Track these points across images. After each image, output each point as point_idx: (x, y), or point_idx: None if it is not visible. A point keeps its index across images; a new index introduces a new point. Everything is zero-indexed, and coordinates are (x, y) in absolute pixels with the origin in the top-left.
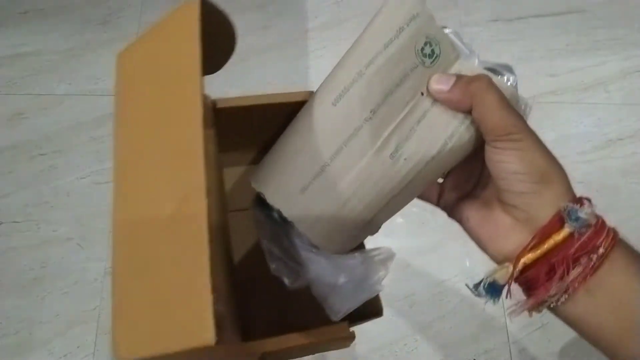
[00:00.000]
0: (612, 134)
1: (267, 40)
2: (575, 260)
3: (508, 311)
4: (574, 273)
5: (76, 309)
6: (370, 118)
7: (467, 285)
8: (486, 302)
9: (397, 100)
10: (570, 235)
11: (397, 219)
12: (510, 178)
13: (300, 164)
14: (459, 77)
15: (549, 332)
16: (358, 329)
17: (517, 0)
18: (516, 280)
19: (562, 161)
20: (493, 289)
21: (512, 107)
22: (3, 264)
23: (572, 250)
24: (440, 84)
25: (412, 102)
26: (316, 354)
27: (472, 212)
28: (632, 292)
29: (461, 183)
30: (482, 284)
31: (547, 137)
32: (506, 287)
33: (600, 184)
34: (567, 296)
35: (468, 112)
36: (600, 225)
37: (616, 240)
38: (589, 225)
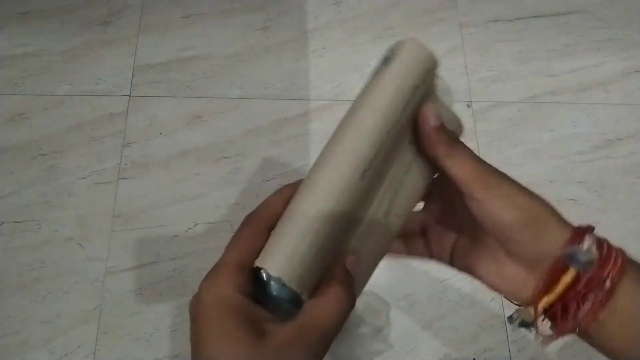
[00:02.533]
0: (611, 134)
1: (267, 41)
2: (584, 297)
3: (537, 341)
4: (584, 309)
5: (77, 309)
6: (369, 177)
7: (508, 318)
8: (522, 332)
9: (392, 156)
10: (577, 274)
11: None
12: (504, 229)
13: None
14: (443, 125)
15: (548, 331)
16: None
17: (516, 0)
18: (543, 319)
19: (561, 161)
20: (526, 324)
21: (481, 159)
22: (4, 264)
23: (580, 288)
24: (429, 116)
25: (401, 153)
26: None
27: (482, 268)
28: None
29: (447, 229)
30: (514, 320)
31: (546, 137)
32: (535, 326)
33: (599, 184)
34: (580, 329)
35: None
36: (605, 256)
37: (625, 267)
38: (592, 262)
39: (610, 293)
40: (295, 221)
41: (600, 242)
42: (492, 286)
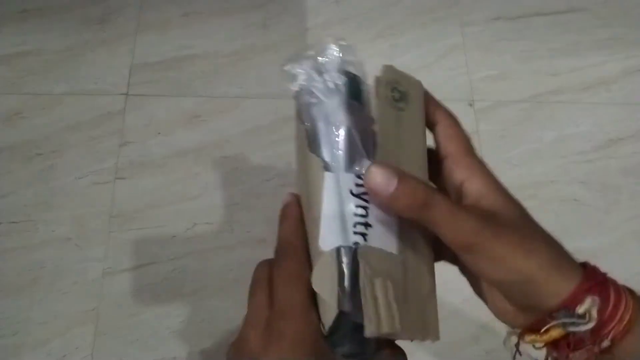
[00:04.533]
0: (613, 134)
1: (267, 40)
2: (577, 347)
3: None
4: (577, 356)
5: (75, 310)
6: None
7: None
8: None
9: None
10: (567, 334)
11: None
12: (495, 285)
13: None
14: (402, 180)
15: None
16: None
17: None
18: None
19: (562, 161)
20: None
21: (463, 212)
22: (1, 265)
23: (570, 342)
24: (379, 185)
25: None
26: None
27: (478, 287)
28: None
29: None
30: (505, 342)
31: (548, 136)
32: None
33: (601, 184)
34: None
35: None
36: (608, 315)
37: (633, 322)
38: (587, 324)
39: (607, 350)
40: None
41: (605, 299)
42: (484, 302)
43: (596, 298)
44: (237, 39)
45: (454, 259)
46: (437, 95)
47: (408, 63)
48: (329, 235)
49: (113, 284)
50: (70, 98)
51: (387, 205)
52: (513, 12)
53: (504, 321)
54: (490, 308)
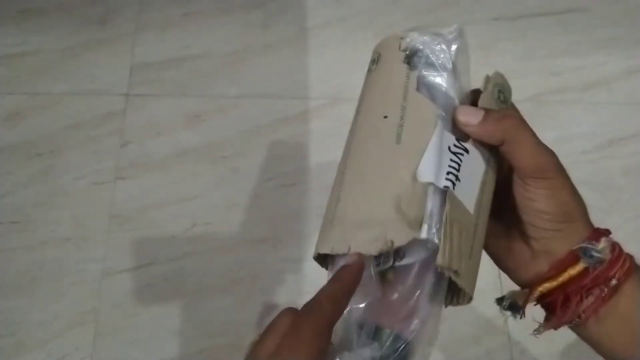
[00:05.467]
0: (614, 134)
1: (267, 39)
2: (588, 291)
3: (531, 332)
4: (586, 303)
5: (74, 310)
6: None
7: (495, 300)
8: (507, 316)
9: None
10: (585, 269)
11: None
12: (537, 215)
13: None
14: (488, 112)
15: (550, 333)
16: None
17: None
18: (536, 304)
19: (563, 161)
20: (514, 307)
21: (544, 145)
22: (0, 265)
23: (586, 282)
24: (467, 117)
25: None
26: None
27: (492, 239)
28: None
29: None
30: (504, 301)
31: (549, 136)
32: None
33: (602, 183)
34: (579, 321)
35: (496, 146)
36: (615, 257)
37: (632, 270)
38: (602, 261)
39: (614, 291)
40: None
41: (614, 245)
42: (496, 259)
43: (610, 239)
44: (236, 39)
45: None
46: None
47: None
48: (427, 169)
49: (113, 284)
50: (69, 98)
51: (477, 133)
52: (513, 12)
53: (514, 273)
54: (502, 259)
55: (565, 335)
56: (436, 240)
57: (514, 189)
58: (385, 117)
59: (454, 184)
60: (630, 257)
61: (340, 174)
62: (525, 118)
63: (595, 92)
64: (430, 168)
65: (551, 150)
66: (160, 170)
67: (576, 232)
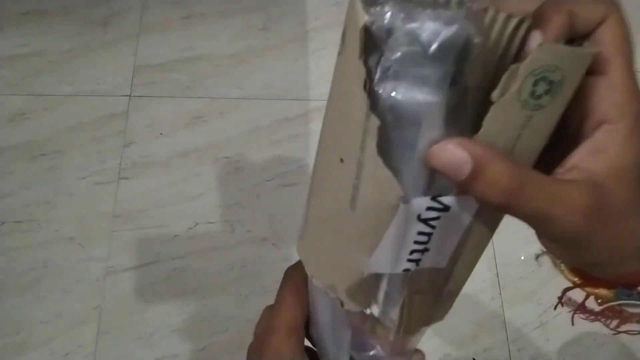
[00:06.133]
0: None
1: (268, 41)
2: (624, 319)
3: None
4: (621, 322)
5: (77, 309)
6: None
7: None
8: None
9: None
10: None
11: None
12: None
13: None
14: (484, 153)
15: (548, 331)
16: None
17: None
18: None
19: None
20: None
21: (572, 188)
22: (4, 264)
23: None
24: (451, 163)
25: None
26: None
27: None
28: None
29: None
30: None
31: None
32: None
33: None
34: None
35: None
36: None
37: None
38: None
39: None
40: None
41: None
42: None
43: None
44: (238, 41)
45: None
46: None
47: None
48: (382, 262)
49: (116, 283)
50: (73, 99)
51: (461, 190)
52: None
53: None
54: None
55: (562, 332)
56: (388, 322)
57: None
58: (342, 160)
59: (418, 261)
60: None
61: (309, 193)
62: None
63: None
64: (385, 261)
65: (582, 190)
66: (163, 170)
67: (615, 271)
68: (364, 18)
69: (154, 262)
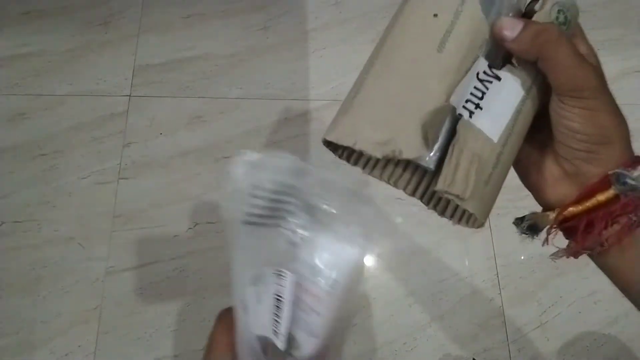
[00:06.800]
0: None
1: (268, 41)
2: (615, 219)
3: (550, 255)
4: (611, 230)
5: (77, 309)
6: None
7: (514, 220)
8: (525, 237)
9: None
10: (615, 197)
11: (397, 219)
12: (571, 134)
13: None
14: (527, 24)
15: (547, 331)
16: (357, 329)
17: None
18: (557, 227)
19: None
20: (533, 229)
21: (585, 61)
22: (4, 264)
23: (614, 209)
24: (505, 30)
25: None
26: None
27: (523, 154)
28: None
29: None
30: (524, 222)
31: None
32: (546, 233)
33: None
34: (600, 249)
35: (534, 61)
36: None
37: None
38: (636, 189)
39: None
40: None
41: None
42: (523, 175)
43: None
44: (238, 41)
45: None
46: None
47: None
48: (456, 98)
49: (115, 283)
50: (73, 99)
51: (512, 48)
52: None
53: (540, 192)
54: (530, 176)
55: (562, 332)
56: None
57: (550, 105)
58: (436, 15)
59: (471, 112)
60: None
61: (370, 62)
62: None
63: None
64: (460, 96)
65: (594, 68)
66: (163, 170)
67: (612, 156)
68: None
69: (154, 262)
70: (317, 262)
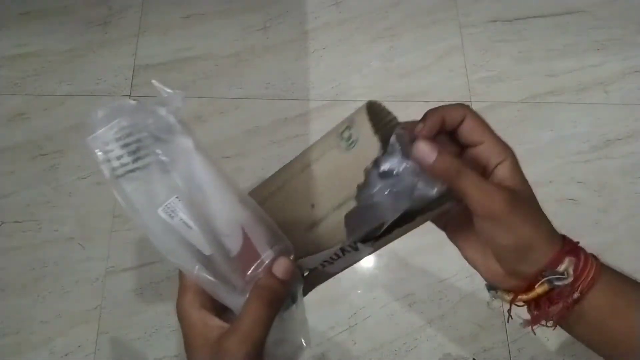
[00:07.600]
0: (610, 134)
1: (268, 41)
2: (554, 303)
3: (519, 324)
4: (554, 310)
5: (77, 309)
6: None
7: (486, 285)
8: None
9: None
10: (551, 288)
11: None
12: (496, 247)
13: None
14: (440, 155)
15: (547, 331)
16: (357, 328)
17: (516, 1)
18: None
19: (560, 161)
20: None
21: (490, 187)
22: (5, 264)
23: (552, 296)
24: (420, 154)
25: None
26: (316, 353)
27: (470, 251)
28: (608, 320)
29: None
30: (490, 295)
31: (546, 137)
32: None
33: (598, 183)
34: (552, 324)
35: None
36: (579, 272)
37: (595, 279)
38: (565, 280)
39: (577, 301)
40: None
41: (578, 260)
42: (474, 267)
43: (572, 259)
44: (237, 41)
45: (442, 226)
46: (435, 95)
47: (407, 64)
48: (308, 261)
49: (115, 282)
50: (72, 99)
51: (429, 172)
52: (510, 14)
53: (494, 283)
54: (481, 271)
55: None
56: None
57: (475, 223)
58: (313, 206)
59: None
60: (595, 265)
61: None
62: (522, 119)
63: (591, 94)
64: (313, 260)
65: (499, 190)
66: None
67: (538, 258)
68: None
69: (154, 262)
70: (187, 175)
